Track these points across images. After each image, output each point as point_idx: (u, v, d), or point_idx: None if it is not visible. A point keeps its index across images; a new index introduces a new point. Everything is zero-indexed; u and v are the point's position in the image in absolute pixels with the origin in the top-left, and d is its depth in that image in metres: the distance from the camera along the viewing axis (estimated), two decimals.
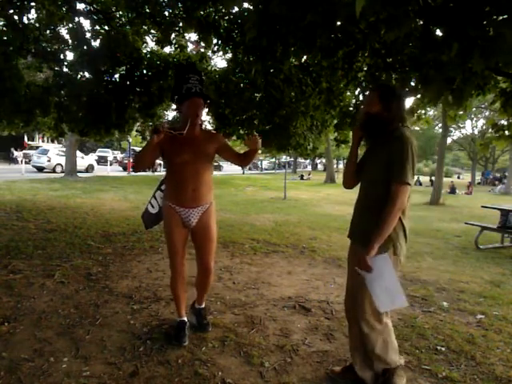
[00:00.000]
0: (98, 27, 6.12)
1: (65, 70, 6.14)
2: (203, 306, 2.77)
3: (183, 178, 2.41)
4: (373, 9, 2.22)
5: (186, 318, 2.66)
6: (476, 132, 33.94)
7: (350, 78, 4.65)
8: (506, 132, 3.85)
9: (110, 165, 24.39)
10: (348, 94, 5.45)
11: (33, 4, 5.62)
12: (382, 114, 1.96)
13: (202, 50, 6.71)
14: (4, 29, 5.61)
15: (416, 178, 29.15)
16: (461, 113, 4.17)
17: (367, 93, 2.13)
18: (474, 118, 32.90)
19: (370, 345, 2.00)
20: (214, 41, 5.33)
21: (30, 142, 26.47)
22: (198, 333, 2.67)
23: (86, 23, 27.51)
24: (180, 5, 4.85)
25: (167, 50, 6.85)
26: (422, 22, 2.50)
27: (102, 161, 27.15)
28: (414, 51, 2.99)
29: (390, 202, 1.83)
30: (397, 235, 1.93)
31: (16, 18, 5.46)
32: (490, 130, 4.59)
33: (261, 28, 3.37)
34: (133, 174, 21.43)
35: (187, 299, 2.75)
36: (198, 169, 2.42)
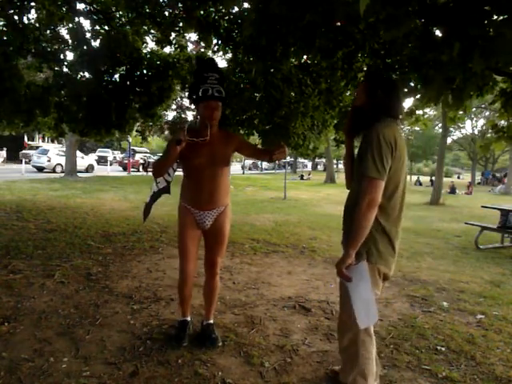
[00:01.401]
0: (98, 27, 6.13)
1: (65, 70, 6.15)
2: (211, 321, 2.65)
3: (200, 181, 2.37)
4: (373, 8, 2.22)
5: (188, 318, 2.65)
6: (476, 132, 33.95)
7: (349, 79, 4.66)
8: (506, 134, 3.85)
9: (110, 165, 24.43)
10: (347, 94, 5.45)
11: (33, 4, 5.63)
12: (368, 104, 1.81)
13: (202, 49, 6.71)
14: (4, 29, 5.61)
15: (416, 177, 29.28)
16: (461, 113, 4.17)
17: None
18: (474, 118, 32.90)
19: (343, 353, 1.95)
20: (214, 41, 5.35)
21: (30, 142, 26.50)
22: (198, 336, 2.67)
23: (86, 23, 27.55)
24: (180, 5, 4.86)
25: (167, 50, 6.87)
26: (421, 22, 2.50)
27: (101, 161, 27.19)
28: (414, 51, 2.99)
29: (358, 197, 1.68)
30: (374, 240, 1.74)
31: (16, 18, 5.47)
32: (490, 131, 4.57)
33: (260, 27, 3.37)
34: (133, 174, 21.49)
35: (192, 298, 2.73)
36: (215, 172, 2.37)
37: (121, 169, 25.12)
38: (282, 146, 2.12)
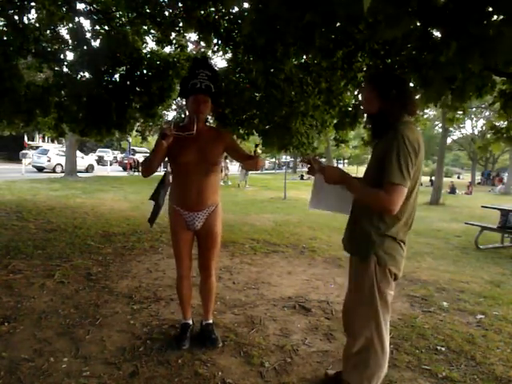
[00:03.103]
0: (98, 27, 6.12)
1: (65, 69, 6.14)
2: (211, 321, 2.65)
3: (187, 181, 2.35)
4: (375, 8, 2.22)
5: (190, 321, 2.65)
6: (476, 132, 33.93)
7: (349, 79, 4.67)
8: (505, 135, 3.85)
9: (110, 165, 24.50)
10: (347, 94, 5.46)
11: (33, 4, 5.62)
12: (384, 107, 1.74)
13: (202, 49, 6.72)
14: (4, 29, 5.61)
15: None
16: (460, 113, 4.17)
17: (363, 84, 1.88)
18: (474, 118, 32.88)
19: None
20: (214, 41, 5.35)
21: (30, 142, 26.49)
22: (198, 336, 2.67)
23: (86, 23, 27.56)
24: (180, 5, 4.86)
25: (167, 49, 6.87)
26: (421, 23, 2.50)
27: (102, 161, 27.32)
28: (413, 52, 3.00)
29: (381, 190, 1.63)
30: (383, 244, 1.74)
31: (16, 18, 5.47)
32: (489, 132, 4.56)
33: (260, 27, 3.37)
34: (133, 174, 21.50)
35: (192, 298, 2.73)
36: (203, 170, 2.34)
37: (121, 169, 25.18)
38: (256, 157, 2.22)
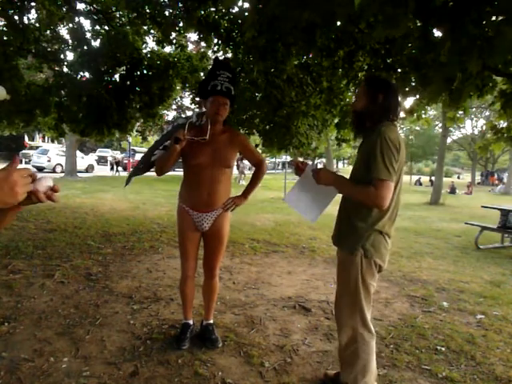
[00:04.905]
0: (98, 27, 6.13)
1: (65, 69, 6.16)
2: (211, 321, 2.66)
3: (199, 182, 2.33)
4: (371, 8, 2.22)
5: (191, 321, 2.65)
6: (476, 132, 33.89)
7: (350, 78, 4.66)
8: (505, 134, 3.85)
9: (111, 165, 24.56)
10: (349, 93, 5.45)
11: (33, 4, 5.63)
12: (368, 107, 1.86)
13: (202, 49, 6.72)
14: (4, 29, 5.62)
15: (416, 177, 29.25)
16: (460, 113, 4.17)
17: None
18: (474, 118, 32.85)
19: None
20: (214, 41, 5.35)
21: (30, 142, 26.50)
22: (198, 336, 2.67)
23: (86, 23, 27.54)
24: (180, 5, 4.86)
25: (167, 49, 6.88)
26: (420, 23, 2.50)
27: (101, 161, 27.39)
28: (413, 52, 3.00)
29: (371, 187, 1.73)
30: (369, 238, 1.82)
31: (16, 18, 5.48)
32: (489, 132, 4.56)
33: (260, 28, 3.37)
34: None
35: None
36: (216, 172, 2.33)
37: (121, 168, 25.19)
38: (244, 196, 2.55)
